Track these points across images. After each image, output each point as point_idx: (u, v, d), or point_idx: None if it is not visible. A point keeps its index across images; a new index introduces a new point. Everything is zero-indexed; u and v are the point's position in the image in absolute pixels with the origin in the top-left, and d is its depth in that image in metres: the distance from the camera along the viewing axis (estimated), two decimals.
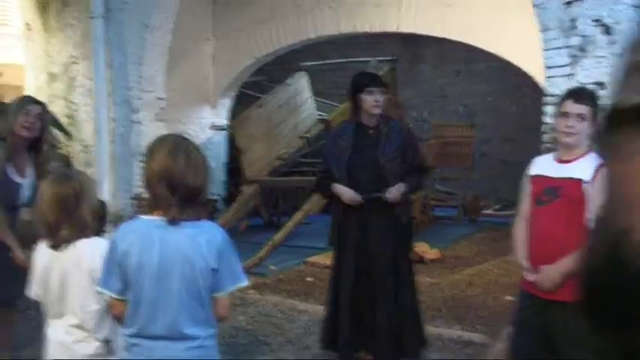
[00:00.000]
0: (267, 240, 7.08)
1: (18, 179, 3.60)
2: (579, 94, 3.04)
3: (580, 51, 3.98)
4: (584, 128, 2.94)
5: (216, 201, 9.25)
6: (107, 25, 6.49)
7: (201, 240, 2.28)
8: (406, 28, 7.78)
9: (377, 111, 3.99)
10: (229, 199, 9.28)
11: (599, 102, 2.99)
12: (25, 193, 3.60)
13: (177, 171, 2.29)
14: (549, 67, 4.13)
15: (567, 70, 4.01)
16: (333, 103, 10.45)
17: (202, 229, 2.32)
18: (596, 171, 2.79)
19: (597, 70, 3.94)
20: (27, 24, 7.34)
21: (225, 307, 2.41)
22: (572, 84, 3.89)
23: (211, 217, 8.72)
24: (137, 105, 6.58)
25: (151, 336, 2.29)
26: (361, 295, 3.99)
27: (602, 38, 3.91)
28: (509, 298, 5.48)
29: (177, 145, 2.37)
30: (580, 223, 2.74)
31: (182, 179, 2.28)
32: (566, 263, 2.82)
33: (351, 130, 4.06)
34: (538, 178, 3.14)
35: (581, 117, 2.93)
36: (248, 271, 6.62)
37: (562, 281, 2.84)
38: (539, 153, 3.96)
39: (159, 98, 6.69)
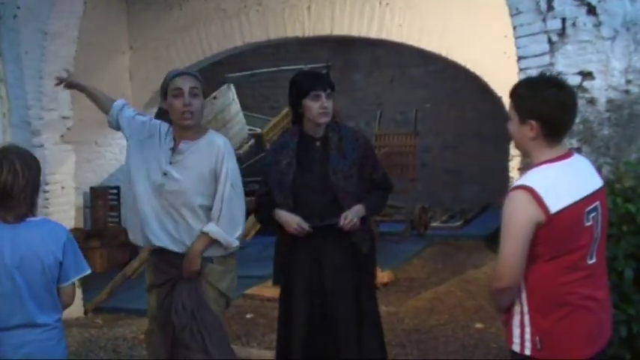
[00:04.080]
0: None
1: None
2: None
3: (560, 36, 3.37)
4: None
5: None
6: None
7: (49, 237, 2.57)
8: (340, 31, 7.15)
9: (324, 119, 3.26)
10: None
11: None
12: None
13: None
14: (523, 58, 3.50)
15: (546, 59, 3.40)
16: (263, 117, 9.73)
17: (48, 226, 2.64)
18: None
19: (581, 57, 3.34)
20: None
21: (71, 295, 2.69)
22: None
23: (136, 248, 7.88)
24: (38, 126, 5.65)
25: (6, 327, 2.49)
26: (319, 346, 3.23)
27: (585, 20, 3.32)
28: (479, 325, 4.85)
29: None
30: None
31: None
32: None
33: (294, 144, 3.32)
34: None
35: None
36: None
37: None
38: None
39: (64, 117, 5.77)
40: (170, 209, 3.21)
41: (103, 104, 3.51)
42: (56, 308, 2.61)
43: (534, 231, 2.11)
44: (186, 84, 3.17)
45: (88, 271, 2.70)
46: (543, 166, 2.20)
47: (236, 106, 9.22)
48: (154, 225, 3.23)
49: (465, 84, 9.96)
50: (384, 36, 6.91)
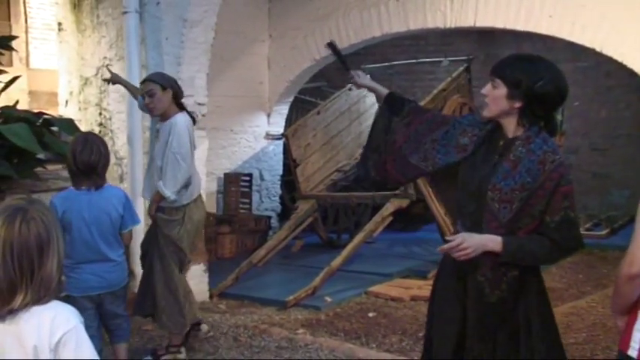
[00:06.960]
0: (323, 264, 6.16)
1: None
2: None
3: None
4: None
5: (269, 218, 8.42)
6: (142, 21, 5.71)
7: (114, 199, 3.67)
8: (484, 22, 6.75)
9: (487, 113, 2.63)
10: (285, 215, 8.43)
11: None
12: None
13: (77, 154, 3.54)
14: None
15: None
16: None
17: (112, 191, 3.74)
18: None
19: None
20: (59, 23, 6.66)
21: (129, 238, 3.82)
22: None
23: (264, 235, 7.93)
24: None
25: (86, 261, 3.59)
26: None
27: None
28: None
29: (79, 138, 3.71)
30: None
31: (81, 159, 3.54)
32: None
33: (485, 131, 2.65)
34: None
35: None
36: (299, 304, 5.73)
37: None
38: None
39: (199, 104, 5.83)
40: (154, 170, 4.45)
41: (135, 93, 4.88)
42: (120, 247, 3.75)
43: None
44: (145, 89, 4.37)
45: (140, 222, 4.02)
46: None
47: (372, 98, 9.04)
48: (146, 182, 4.63)
49: (620, 82, 9.24)
50: (531, 28, 6.45)
